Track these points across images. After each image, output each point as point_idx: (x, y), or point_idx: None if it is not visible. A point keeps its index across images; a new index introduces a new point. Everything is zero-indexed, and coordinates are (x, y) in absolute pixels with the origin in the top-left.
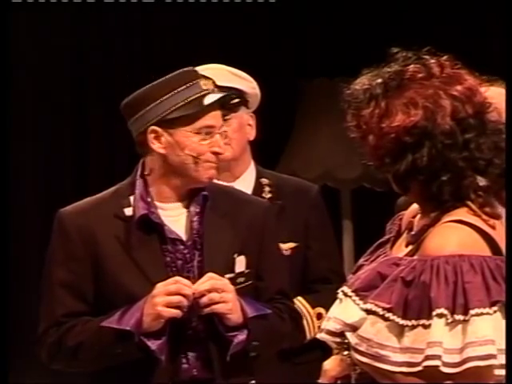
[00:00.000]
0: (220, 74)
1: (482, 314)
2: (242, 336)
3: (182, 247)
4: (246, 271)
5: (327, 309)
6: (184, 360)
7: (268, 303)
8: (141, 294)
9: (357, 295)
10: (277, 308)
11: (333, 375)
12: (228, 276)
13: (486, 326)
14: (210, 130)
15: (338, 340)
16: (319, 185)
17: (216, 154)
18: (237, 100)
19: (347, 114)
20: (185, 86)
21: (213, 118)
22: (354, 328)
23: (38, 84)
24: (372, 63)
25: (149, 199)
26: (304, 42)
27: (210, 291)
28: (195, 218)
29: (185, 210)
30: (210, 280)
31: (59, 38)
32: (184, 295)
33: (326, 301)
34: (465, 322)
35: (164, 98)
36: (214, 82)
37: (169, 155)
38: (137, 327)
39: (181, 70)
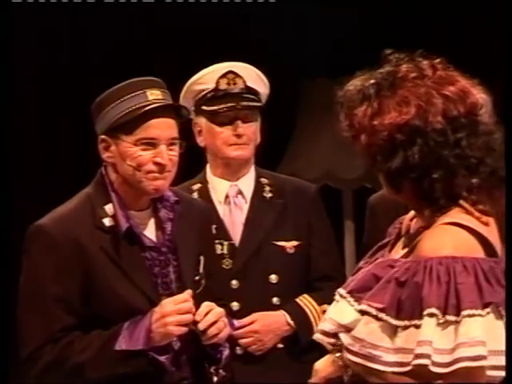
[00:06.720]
0: (250, 75)
1: (473, 315)
2: (227, 350)
3: (156, 254)
4: (202, 271)
5: None
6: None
7: None
8: (133, 303)
9: (351, 296)
10: None
11: (323, 376)
12: (196, 278)
13: (477, 327)
14: (152, 140)
15: (332, 341)
16: (321, 185)
17: (158, 164)
18: (258, 104)
19: (340, 114)
20: (131, 95)
21: (156, 129)
22: (347, 329)
23: (38, 84)
24: (373, 62)
25: (125, 210)
26: (304, 41)
27: (215, 321)
28: (167, 224)
29: (152, 217)
30: (211, 310)
31: (59, 38)
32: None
33: (330, 298)
34: (456, 322)
35: (111, 106)
36: (163, 93)
37: (117, 165)
38: (147, 345)
39: (134, 79)
